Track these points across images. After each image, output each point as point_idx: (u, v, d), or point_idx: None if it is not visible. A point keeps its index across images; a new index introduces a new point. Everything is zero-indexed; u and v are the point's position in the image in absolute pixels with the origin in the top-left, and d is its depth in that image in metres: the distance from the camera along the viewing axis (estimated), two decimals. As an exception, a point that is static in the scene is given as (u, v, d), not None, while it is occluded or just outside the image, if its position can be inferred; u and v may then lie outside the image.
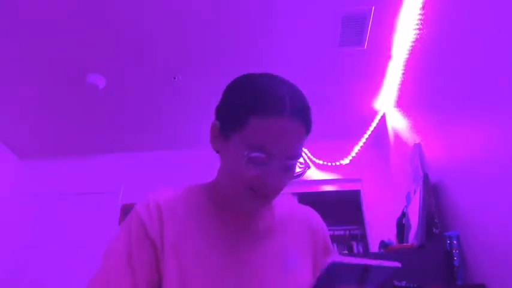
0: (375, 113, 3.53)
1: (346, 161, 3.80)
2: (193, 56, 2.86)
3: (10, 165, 4.03)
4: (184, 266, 0.72)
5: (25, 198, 3.91)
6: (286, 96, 0.70)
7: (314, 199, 3.85)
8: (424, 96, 2.53)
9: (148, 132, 3.83)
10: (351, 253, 4.08)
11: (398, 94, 3.09)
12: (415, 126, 2.72)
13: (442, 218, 2.10)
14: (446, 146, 2.14)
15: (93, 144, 3.98)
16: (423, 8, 2.36)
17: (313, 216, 0.89)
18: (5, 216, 3.78)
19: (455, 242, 1.87)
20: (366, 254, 3.27)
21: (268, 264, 0.76)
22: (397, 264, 0.60)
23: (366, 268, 0.58)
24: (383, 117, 3.51)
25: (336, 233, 4.53)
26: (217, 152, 0.79)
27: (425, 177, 2.25)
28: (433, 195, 2.17)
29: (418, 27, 2.47)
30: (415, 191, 2.39)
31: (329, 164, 3.82)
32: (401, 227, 2.48)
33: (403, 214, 2.52)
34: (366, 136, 3.69)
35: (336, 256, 0.57)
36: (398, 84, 3.01)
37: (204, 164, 3.95)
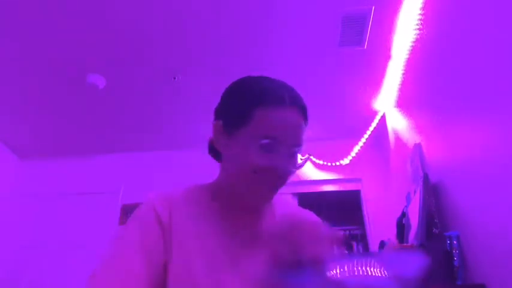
0: (375, 113, 3.53)
1: (346, 161, 3.80)
2: (193, 56, 2.86)
3: (10, 165, 4.03)
4: (188, 261, 0.73)
5: (25, 198, 3.91)
6: (283, 89, 0.76)
7: (314, 199, 3.86)
8: (424, 96, 2.53)
9: (148, 132, 3.83)
10: (350, 253, 4.09)
11: (398, 94, 3.09)
12: (415, 126, 2.72)
13: (442, 218, 2.10)
14: (446, 146, 2.14)
15: (93, 144, 3.98)
16: (423, 8, 2.36)
17: (317, 222, 0.91)
18: (5, 216, 3.78)
19: (455, 242, 1.87)
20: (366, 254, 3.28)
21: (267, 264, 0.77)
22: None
23: None
24: (383, 117, 3.51)
25: (336, 233, 4.52)
26: (219, 150, 0.81)
27: (425, 177, 2.25)
28: (433, 195, 2.17)
29: (418, 27, 2.47)
30: (415, 191, 2.39)
31: (329, 164, 3.82)
32: (401, 227, 2.48)
33: (403, 214, 2.52)
34: (366, 136, 3.69)
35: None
36: (399, 84, 3.01)
37: (204, 164, 3.96)
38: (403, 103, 3.01)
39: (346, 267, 0.60)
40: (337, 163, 3.81)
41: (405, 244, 2.24)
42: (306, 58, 2.90)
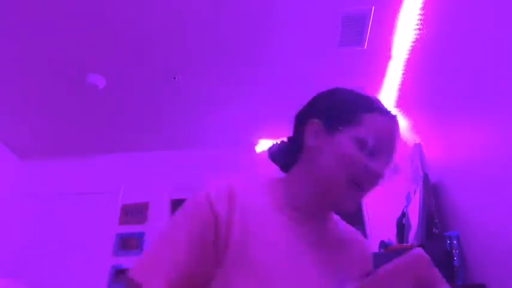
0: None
1: (346, 161, 3.79)
2: (193, 56, 2.86)
3: (10, 165, 4.03)
4: (249, 253, 0.69)
5: (25, 198, 3.90)
6: (377, 98, 0.83)
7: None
8: (424, 96, 2.53)
9: (148, 132, 3.83)
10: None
11: (398, 94, 3.09)
12: (415, 126, 2.72)
13: (442, 218, 2.10)
14: (446, 146, 2.13)
15: (93, 144, 3.98)
16: (423, 8, 2.36)
17: (364, 241, 0.94)
18: (5, 216, 3.78)
19: (455, 242, 1.87)
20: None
21: (325, 275, 0.75)
22: None
23: None
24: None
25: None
26: (312, 149, 0.79)
27: (425, 177, 2.25)
28: (433, 195, 2.17)
29: (418, 27, 2.47)
30: (415, 191, 2.39)
31: (329, 164, 3.81)
32: (401, 227, 2.48)
33: (403, 214, 2.52)
34: (366, 136, 3.69)
35: None
36: (399, 84, 3.01)
37: (204, 164, 3.97)
38: (403, 103, 3.01)
39: None
40: (337, 163, 3.80)
41: (405, 244, 2.24)
42: (306, 58, 2.89)
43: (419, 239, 2.03)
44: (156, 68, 2.97)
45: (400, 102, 3.10)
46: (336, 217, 0.89)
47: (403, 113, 3.02)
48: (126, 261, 3.47)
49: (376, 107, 0.78)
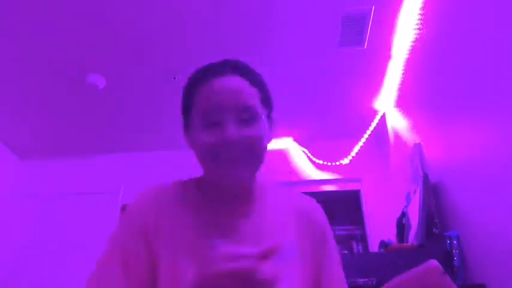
0: (375, 113, 3.53)
1: (346, 161, 3.80)
2: (193, 56, 2.86)
3: (10, 165, 4.03)
4: (176, 258, 0.71)
5: (25, 198, 3.90)
6: (226, 62, 0.77)
7: (314, 199, 3.85)
8: (424, 96, 2.53)
9: (148, 132, 3.83)
10: (351, 253, 4.09)
11: (398, 94, 3.09)
12: (415, 126, 2.72)
13: (442, 218, 2.10)
14: (446, 146, 2.14)
15: (93, 144, 3.98)
16: (423, 8, 2.36)
17: (316, 210, 0.87)
18: (5, 216, 3.78)
19: (455, 242, 1.87)
20: (366, 254, 3.28)
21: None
22: None
23: None
24: (383, 117, 3.51)
25: (336, 233, 4.53)
26: (190, 146, 0.81)
27: (425, 177, 2.25)
28: (433, 195, 2.17)
29: (418, 27, 2.47)
30: (415, 191, 2.39)
31: (329, 164, 3.82)
32: (401, 227, 2.48)
33: (403, 214, 2.52)
34: (365, 136, 3.69)
35: None
36: (398, 84, 3.01)
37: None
38: (403, 103, 3.01)
39: None
40: (337, 163, 3.81)
41: (405, 244, 2.24)
42: (306, 58, 2.89)
43: (419, 239, 2.03)
44: (156, 68, 2.97)
45: (400, 102, 3.10)
46: (272, 192, 0.85)
47: (403, 113, 3.02)
48: (126, 261, 3.46)
49: (199, 78, 0.76)
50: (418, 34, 2.49)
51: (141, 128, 3.76)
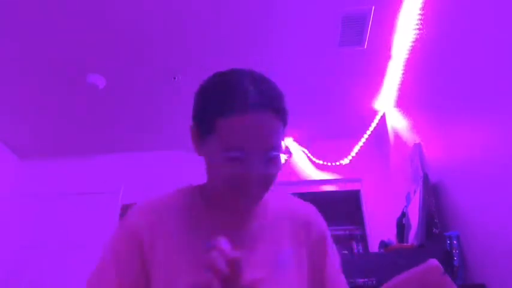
0: (375, 113, 3.53)
1: (346, 161, 3.80)
2: (193, 56, 2.86)
3: (10, 165, 4.03)
4: (173, 271, 0.72)
5: (25, 198, 3.90)
6: (251, 90, 0.69)
7: (314, 199, 3.84)
8: (424, 96, 2.53)
9: (148, 132, 3.83)
10: (351, 253, 4.09)
11: (398, 94, 3.09)
12: (415, 126, 2.72)
13: (442, 218, 2.10)
14: (446, 146, 2.13)
15: (93, 144, 3.98)
16: (423, 8, 2.36)
17: (311, 214, 0.86)
18: (5, 216, 3.78)
19: (455, 242, 1.87)
20: (366, 254, 3.28)
21: (259, 262, 0.75)
22: None
23: None
24: (383, 117, 3.51)
25: (336, 233, 4.52)
26: (200, 154, 0.79)
27: (425, 177, 2.25)
28: (433, 195, 2.17)
29: (418, 27, 2.47)
30: (415, 191, 2.39)
31: (329, 164, 3.82)
32: (401, 227, 2.48)
33: (403, 214, 2.52)
34: (366, 136, 3.69)
35: None
36: (398, 84, 3.01)
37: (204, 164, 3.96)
38: (403, 103, 3.01)
39: None
40: (337, 163, 3.81)
41: (405, 244, 2.24)
42: (306, 58, 2.89)
43: (419, 239, 2.03)
44: (156, 68, 2.96)
45: (400, 102, 3.10)
46: (273, 201, 0.85)
47: (403, 113, 3.02)
48: (126, 261, 3.47)
49: (230, 109, 0.67)
50: (418, 34, 2.49)
51: (141, 128, 3.75)
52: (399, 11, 2.49)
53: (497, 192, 1.59)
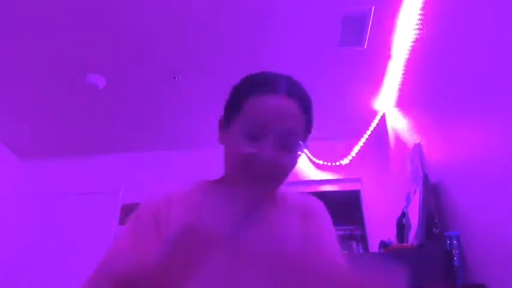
0: (375, 113, 3.53)
1: (346, 161, 3.80)
2: (193, 56, 2.86)
3: (10, 165, 4.03)
4: None
5: (25, 198, 3.91)
6: (284, 80, 0.76)
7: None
8: (424, 96, 2.53)
9: (148, 132, 3.83)
10: (351, 253, 4.08)
11: (398, 94, 3.09)
12: (415, 126, 2.72)
13: (442, 218, 2.10)
14: (446, 146, 2.13)
15: (93, 144, 3.98)
16: (423, 8, 2.36)
17: (315, 206, 0.88)
18: (5, 216, 3.78)
19: (455, 242, 1.87)
20: (366, 254, 3.27)
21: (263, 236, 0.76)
22: None
23: None
24: (383, 117, 3.51)
25: (336, 233, 4.53)
26: (222, 143, 0.81)
27: (425, 178, 2.25)
28: (433, 195, 2.17)
29: (418, 27, 2.47)
30: (415, 191, 2.39)
31: (329, 164, 3.82)
32: (401, 227, 2.48)
33: (403, 214, 2.52)
34: (365, 136, 3.69)
35: None
36: (399, 84, 3.01)
37: (204, 164, 3.96)
38: (403, 103, 3.01)
39: None
40: (337, 163, 3.81)
41: (405, 244, 2.24)
42: (306, 58, 2.90)
43: (419, 239, 2.03)
44: (156, 68, 2.97)
45: (400, 102, 3.10)
46: (283, 190, 0.87)
47: (403, 113, 3.02)
48: (126, 261, 3.47)
49: (258, 89, 0.73)
50: (418, 34, 2.49)
51: (141, 128, 3.76)
52: (399, 11, 2.49)
53: (497, 192, 1.59)
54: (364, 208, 3.75)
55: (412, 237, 2.17)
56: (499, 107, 1.57)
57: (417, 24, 2.46)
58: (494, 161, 1.62)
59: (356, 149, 3.77)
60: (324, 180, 3.87)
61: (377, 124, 3.57)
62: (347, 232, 4.60)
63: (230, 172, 0.77)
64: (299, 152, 0.76)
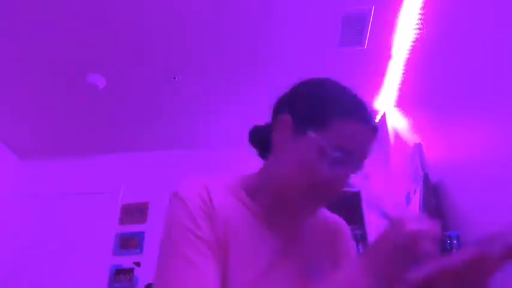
0: (375, 113, 3.53)
1: (346, 161, 3.79)
2: (193, 56, 2.86)
3: (10, 165, 4.03)
4: (229, 260, 0.69)
5: (25, 198, 3.91)
6: (364, 103, 0.76)
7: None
8: (424, 96, 2.53)
9: (148, 132, 3.83)
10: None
11: (398, 94, 3.09)
12: (415, 126, 2.72)
13: (442, 218, 2.10)
14: (446, 146, 2.13)
15: (93, 144, 3.98)
16: (423, 8, 2.35)
17: (341, 225, 0.90)
18: (5, 216, 3.78)
19: (455, 242, 1.87)
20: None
21: (296, 269, 0.74)
22: None
23: None
24: (383, 117, 3.51)
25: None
26: (276, 146, 0.76)
27: (426, 177, 2.25)
28: (433, 195, 2.17)
29: (418, 27, 2.47)
30: (415, 191, 2.39)
31: (329, 164, 3.81)
32: (402, 227, 2.48)
33: (403, 214, 2.52)
34: (366, 136, 3.69)
35: None
36: (398, 84, 3.01)
37: (204, 164, 3.97)
38: (403, 103, 3.01)
39: None
40: (337, 163, 3.80)
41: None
42: (306, 58, 2.89)
43: (419, 239, 2.03)
44: (156, 68, 2.96)
45: (400, 102, 3.10)
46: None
47: (403, 112, 3.02)
48: (126, 261, 3.47)
49: (352, 113, 0.70)
50: (418, 34, 2.49)
51: (141, 128, 3.76)
52: (399, 11, 2.49)
53: (497, 192, 1.59)
54: (364, 208, 3.75)
55: (412, 237, 2.17)
56: (499, 107, 1.56)
57: (417, 24, 2.46)
58: (494, 161, 1.62)
59: (356, 149, 3.76)
60: (324, 180, 3.87)
61: (377, 124, 3.57)
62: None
63: (287, 182, 0.72)
64: None
